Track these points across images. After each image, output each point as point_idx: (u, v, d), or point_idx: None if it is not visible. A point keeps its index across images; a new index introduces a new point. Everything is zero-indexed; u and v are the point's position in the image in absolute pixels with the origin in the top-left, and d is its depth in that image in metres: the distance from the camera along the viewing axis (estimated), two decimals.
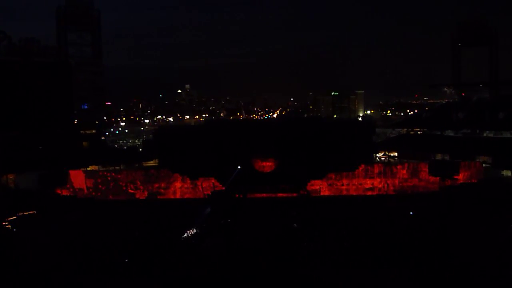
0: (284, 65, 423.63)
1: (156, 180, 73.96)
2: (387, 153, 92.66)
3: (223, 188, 70.17)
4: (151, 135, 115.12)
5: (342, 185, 73.99)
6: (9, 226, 51.33)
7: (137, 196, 73.23)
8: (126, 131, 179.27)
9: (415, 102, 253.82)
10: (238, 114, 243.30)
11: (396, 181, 74.14)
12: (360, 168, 73.87)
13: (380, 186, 74.04)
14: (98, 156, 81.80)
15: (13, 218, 52.80)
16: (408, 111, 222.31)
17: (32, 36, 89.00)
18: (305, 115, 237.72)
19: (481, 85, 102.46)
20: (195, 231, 48.36)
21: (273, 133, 75.13)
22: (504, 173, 71.19)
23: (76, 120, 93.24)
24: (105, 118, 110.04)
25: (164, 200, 71.76)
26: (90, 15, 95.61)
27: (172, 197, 73.28)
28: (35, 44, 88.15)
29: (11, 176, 70.99)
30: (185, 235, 47.04)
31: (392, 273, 34.44)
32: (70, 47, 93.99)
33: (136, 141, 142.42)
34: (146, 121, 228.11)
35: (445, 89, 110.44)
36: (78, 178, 72.58)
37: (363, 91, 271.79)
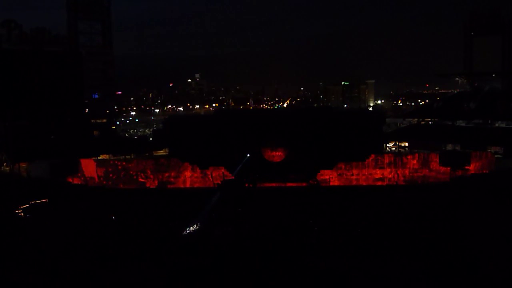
0: (294, 55, 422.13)
1: (166, 170, 74.29)
2: (397, 143, 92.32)
3: (233, 177, 70.35)
4: (161, 125, 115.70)
5: (352, 175, 73.83)
6: (22, 214, 51.97)
7: (148, 185, 73.66)
8: (137, 120, 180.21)
9: (426, 92, 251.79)
10: (248, 104, 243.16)
11: (407, 172, 73.78)
12: (370, 158, 73.59)
13: (390, 176, 73.77)
14: (109, 145, 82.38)
15: (25, 206, 53.41)
16: (419, 101, 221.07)
17: (43, 26, 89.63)
18: (315, 104, 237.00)
19: (493, 75, 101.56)
20: (204, 220, 48.60)
21: (283, 122, 74.96)
22: None
23: (87, 110, 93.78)
24: (115, 107, 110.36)
25: (174, 189, 72.12)
26: (100, 4, 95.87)
27: (182, 186, 73.62)
28: (46, 34, 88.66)
29: (23, 165, 71.76)
30: (195, 224, 47.30)
31: (402, 264, 34.42)
32: (80, 36, 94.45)
33: (146, 131, 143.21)
34: (156, 110, 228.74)
35: (457, 78, 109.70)
36: (89, 167, 73.09)
37: (373, 81, 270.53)
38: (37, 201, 55.18)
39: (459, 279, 31.60)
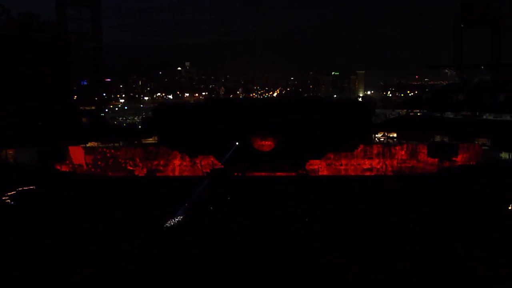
0: (285, 44, 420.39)
1: (155, 158, 74.13)
2: (386, 134, 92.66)
3: (222, 166, 70.36)
4: (150, 113, 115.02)
5: (341, 165, 74.25)
6: (9, 200, 51.63)
7: (136, 173, 73.46)
8: (126, 108, 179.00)
9: (415, 83, 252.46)
10: (238, 93, 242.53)
11: (395, 162, 74.35)
12: (359, 149, 73.99)
13: (378, 166, 74.28)
14: (97, 133, 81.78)
15: (13, 192, 53.06)
16: (408, 92, 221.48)
17: (31, 11, 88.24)
18: (305, 94, 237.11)
19: (482, 67, 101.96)
20: (193, 208, 48.62)
21: (273, 112, 74.98)
22: (502, 156, 71.35)
23: (75, 96, 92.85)
24: (104, 94, 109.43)
25: (163, 177, 72.02)
26: None
27: (171, 174, 73.55)
28: (35, 19, 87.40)
29: (10, 152, 71.08)
30: (184, 212, 47.30)
31: (389, 253, 34.74)
32: (69, 22, 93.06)
33: (135, 118, 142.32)
34: (146, 98, 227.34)
35: (446, 70, 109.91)
36: (77, 154, 72.72)
37: (363, 72, 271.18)
38: (25, 188, 54.83)
39: (445, 267, 32.01)
